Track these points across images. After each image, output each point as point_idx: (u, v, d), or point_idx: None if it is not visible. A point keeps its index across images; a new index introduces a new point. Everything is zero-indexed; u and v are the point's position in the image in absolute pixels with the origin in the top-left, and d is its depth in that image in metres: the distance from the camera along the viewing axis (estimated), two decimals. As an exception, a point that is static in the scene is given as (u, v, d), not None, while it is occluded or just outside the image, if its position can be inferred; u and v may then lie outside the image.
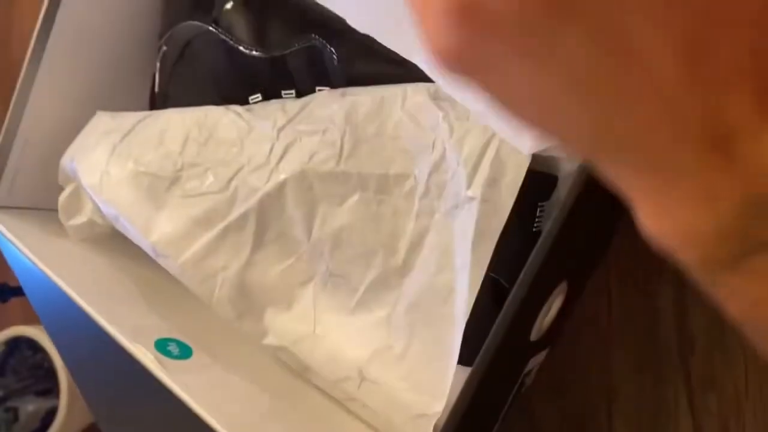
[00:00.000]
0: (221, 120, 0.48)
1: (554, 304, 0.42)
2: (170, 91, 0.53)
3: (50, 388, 0.81)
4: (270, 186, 0.44)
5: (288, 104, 0.46)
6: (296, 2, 0.47)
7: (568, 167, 0.43)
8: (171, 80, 0.53)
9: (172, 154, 0.48)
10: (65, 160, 0.53)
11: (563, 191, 0.45)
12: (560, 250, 0.37)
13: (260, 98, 0.50)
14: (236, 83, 0.50)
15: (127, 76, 0.58)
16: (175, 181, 0.48)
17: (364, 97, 0.43)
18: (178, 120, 0.49)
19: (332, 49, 0.45)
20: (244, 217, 0.45)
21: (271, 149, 0.45)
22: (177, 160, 0.48)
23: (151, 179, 0.48)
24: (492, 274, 0.42)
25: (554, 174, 0.44)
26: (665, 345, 0.45)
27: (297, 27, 0.47)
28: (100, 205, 0.50)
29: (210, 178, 0.47)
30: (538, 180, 0.44)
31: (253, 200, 0.45)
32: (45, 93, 0.54)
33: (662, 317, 0.45)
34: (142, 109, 0.57)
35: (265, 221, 0.45)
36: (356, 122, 0.43)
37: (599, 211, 0.42)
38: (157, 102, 0.55)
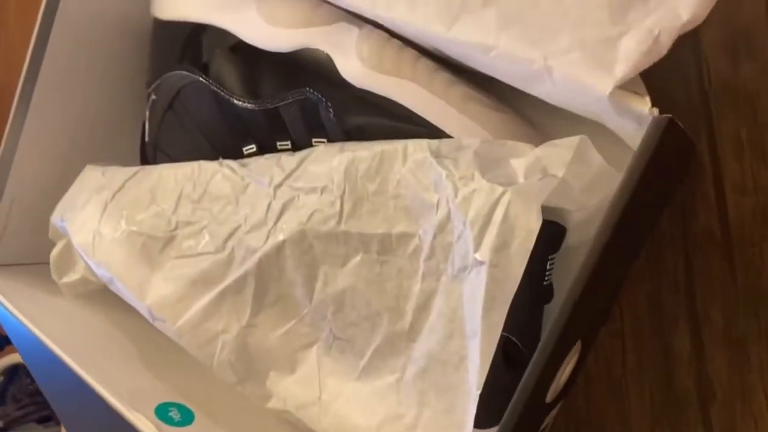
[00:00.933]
0: (215, 176, 0.46)
1: (569, 364, 0.41)
2: (161, 142, 0.52)
3: (51, 416, 0.80)
4: (268, 247, 0.43)
5: (284, 159, 0.45)
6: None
7: (576, 217, 0.42)
8: (161, 130, 0.51)
9: (166, 212, 0.47)
10: (55, 218, 0.51)
11: (572, 240, 0.44)
12: (580, 314, 0.36)
13: (254, 149, 0.48)
14: (229, 134, 0.48)
15: (117, 124, 0.57)
16: (169, 241, 0.46)
17: (363, 152, 0.41)
18: (170, 176, 0.48)
19: (328, 102, 0.44)
20: (242, 279, 0.43)
21: (268, 207, 0.43)
22: (171, 219, 0.46)
23: (144, 239, 0.46)
24: (505, 334, 0.41)
25: (563, 225, 0.43)
26: (683, 392, 0.44)
27: (289, 78, 0.45)
28: (93, 267, 0.48)
29: (206, 238, 0.45)
30: (548, 231, 0.42)
31: (251, 262, 0.43)
32: (31, 146, 0.53)
33: (678, 361, 0.44)
34: (133, 158, 0.55)
35: (264, 283, 0.43)
36: (356, 180, 0.41)
37: (616, 269, 0.41)
38: (148, 152, 0.53)
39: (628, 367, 0.45)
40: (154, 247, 0.46)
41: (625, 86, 0.32)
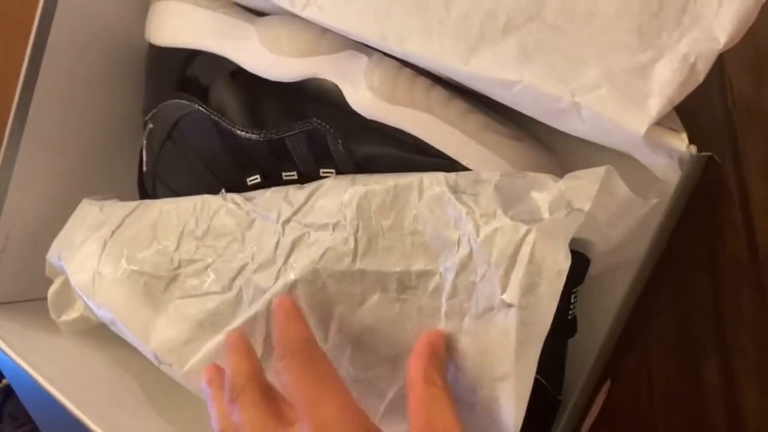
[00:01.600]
0: (219, 211, 0.44)
1: (598, 404, 0.39)
2: (160, 172, 0.49)
3: (49, 432, 0.78)
4: (279, 287, 0.40)
5: (291, 193, 0.43)
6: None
7: (600, 248, 0.40)
8: (160, 160, 0.49)
9: (168, 250, 0.44)
10: (52, 256, 0.49)
11: (594, 270, 0.42)
12: (612, 357, 0.34)
13: (259, 179, 0.46)
14: (232, 164, 0.46)
15: (115, 152, 0.54)
16: (172, 280, 0.44)
17: (375, 186, 0.39)
18: (172, 211, 0.45)
19: (336, 133, 0.42)
20: (252, 321, 0.41)
21: (277, 245, 0.41)
22: (173, 257, 0.44)
23: (146, 279, 0.44)
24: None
25: (587, 256, 0.41)
26: (713, 425, 0.42)
27: (294, 107, 0.43)
28: (94, 308, 0.46)
29: (211, 276, 0.43)
30: (572, 263, 0.41)
31: (261, 303, 0.41)
32: (26, 177, 0.51)
33: (708, 392, 0.42)
34: (131, 186, 0.53)
35: (275, 325, 0.41)
36: (369, 215, 0.39)
37: (647, 305, 0.39)
38: (146, 182, 0.51)
39: (655, 398, 0.44)
40: (157, 286, 0.44)
41: (660, 122, 0.30)
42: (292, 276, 0.40)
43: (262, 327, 0.41)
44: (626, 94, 0.30)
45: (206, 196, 0.45)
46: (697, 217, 0.41)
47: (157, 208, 0.46)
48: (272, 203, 0.43)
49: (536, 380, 0.40)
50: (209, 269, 0.43)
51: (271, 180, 0.46)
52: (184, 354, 0.43)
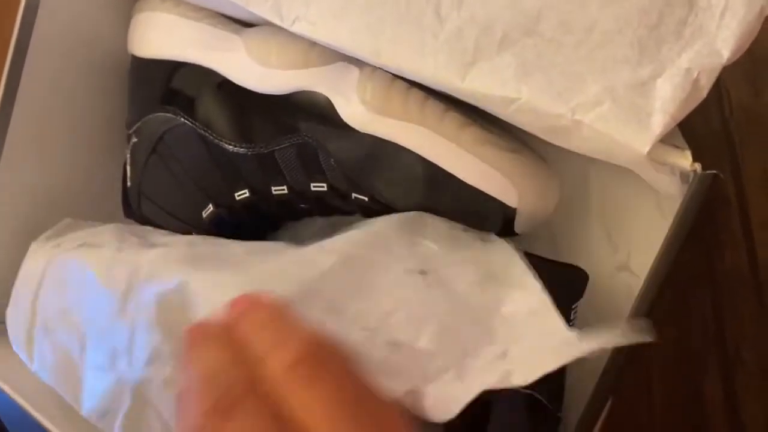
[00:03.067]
0: None
1: (599, 423, 0.38)
2: (145, 188, 0.48)
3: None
4: None
5: None
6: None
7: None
8: (145, 175, 0.48)
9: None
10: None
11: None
12: (617, 379, 0.33)
13: (248, 194, 0.45)
14: (220, 179, 0.45)
15: (96, 167, 0.53)
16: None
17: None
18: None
19: (327, 146, 0.40)
20: None
21: None
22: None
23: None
24: (529, 391, 0.38)
25: (585, 271, 0.40)
26: (715, 441, 0.42)
27: (284, 120, 0.42)
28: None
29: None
30: (571, 278, 0.40)
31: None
32: (4, 195, 0.49)
33: (710, 408, 0.42)
34: (115, 202, 0.51)
35: None
36: None
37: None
38: (131, 198, 0.49)
39: (655, 415, 0.43)
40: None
41: (663, 139, 0.30)
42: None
43: None
44: (628, 111, 0.30)
45: None
46: (696, 229, 0.40)
47: None
48: None
49: (535, 398, 0.39)
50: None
51: (261, 194, 0.45)
52: None
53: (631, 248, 0.44)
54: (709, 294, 0.41)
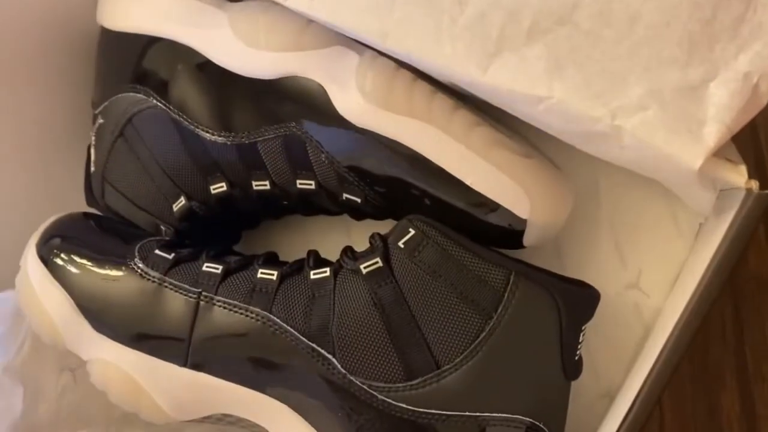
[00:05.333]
0: None
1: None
2: (109, 174, 0.43)
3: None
4: None
5: None
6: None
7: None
8: (110, 160, 0.43)
9: None
10: None
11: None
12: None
13: (225, 188, 0.41)
14: (194, 170, 0.41)
15: (57, 151, 0.48)
16: None
17: None
18: None
19: (317, 140, 0.36)
20: None
21: None
22: None
23: None
24: (530, 420, 0.35)
25: (597, 289, 0.37)
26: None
27: (270, 108, 0.38)
28: None
29: None
30: (582, 296, 0.36)
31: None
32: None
33: (726, 423, 0.39)
34: (77, 190, 0.46)
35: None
36: None
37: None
38: (94, 184, 0.45)
39: (666, 430, 0.40)
40: None
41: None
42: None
43: None
44: (677, 118, 0.26)
45: None
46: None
47: None
48: None
49: (535, 426, 0.35)
50: None
51: (240, 189, 0.40)
52: None
53: (642, 265, 0.42)
54: (729, 302, 0.39)
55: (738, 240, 0.25)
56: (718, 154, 0.26)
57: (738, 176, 0.26)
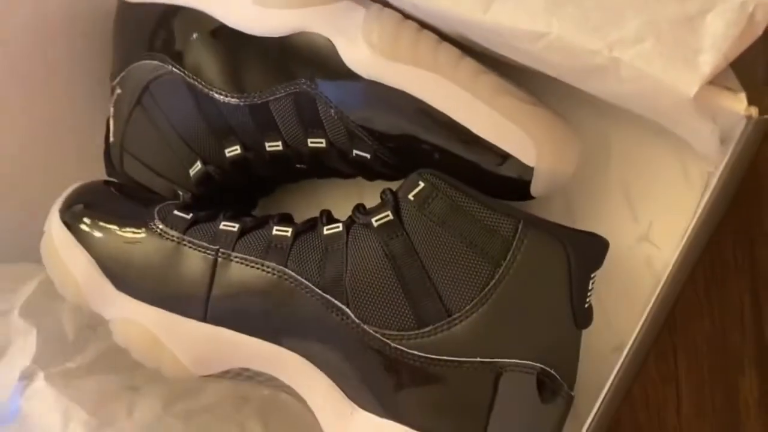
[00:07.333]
0: None
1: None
2: (128, 143, 0.44)
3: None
4: None
5: None
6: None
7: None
8: (128, 129, 0.44)
9: None
10: None
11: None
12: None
13: (239, 150, 0.41)
14: (209, 133, 0.42)
15: (77, 124, 0.49)
16: None
17: None
18: None
19: (327, 96, 0.37)
20: None
21: None
22: None
23: None
24: (541, 365, 0.35)
25: (605, 238, 0.37)
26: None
27: (280, 67, 0.39)
28: None
29: None
30: (590, 245, 0.37)
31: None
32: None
33: (744, 408, 0.38)
34: (98, 159, 0.47)
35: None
36: None
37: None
38: (113, 155, 0.46)
39: (683, 414, 0.39)
40: None
41: (713, 80, 0.26)
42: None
43: None
44: (673, 48, 0.26)
45: None
46: (737, 210, 0.36)
47: None
48: None
49: (548, 372, 0.36)
50: None
51: (253, 152, 0.41)
52: None
53: (653, 218, 0.42)
54: (748, 286, 0.38)
55: (739, 166, 0.26)
56: (717, 82, 0.26)
57: (737, 103, 0.26)
